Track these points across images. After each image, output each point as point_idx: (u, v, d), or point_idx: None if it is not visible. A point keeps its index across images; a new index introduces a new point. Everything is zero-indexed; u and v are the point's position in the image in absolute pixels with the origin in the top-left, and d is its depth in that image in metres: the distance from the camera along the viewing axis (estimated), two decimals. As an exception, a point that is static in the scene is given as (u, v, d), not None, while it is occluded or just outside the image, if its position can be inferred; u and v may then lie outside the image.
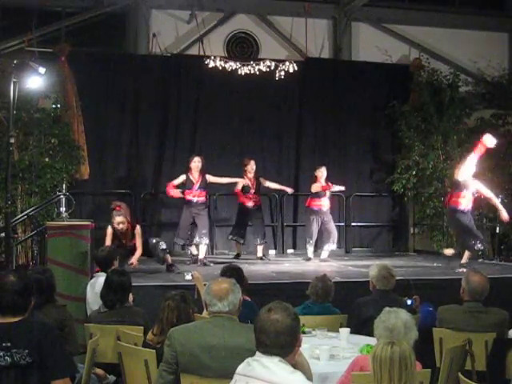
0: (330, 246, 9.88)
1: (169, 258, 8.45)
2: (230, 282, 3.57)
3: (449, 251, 8.93)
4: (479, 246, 8.47)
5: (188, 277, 7.34)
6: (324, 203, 9.81)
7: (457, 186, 8.54)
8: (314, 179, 9.89)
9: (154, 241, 8.39)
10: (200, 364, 3.31)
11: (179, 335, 3.40)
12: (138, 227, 8.12)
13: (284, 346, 2.68)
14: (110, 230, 7.93)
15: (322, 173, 9.85)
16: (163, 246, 8.34)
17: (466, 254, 8.56)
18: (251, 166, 9.82)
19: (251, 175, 9.85)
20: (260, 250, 10.03)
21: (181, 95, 11.27)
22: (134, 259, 7.95)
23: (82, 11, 11.42)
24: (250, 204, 9.84)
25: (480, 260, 9.70)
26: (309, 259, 9.92)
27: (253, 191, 9.83)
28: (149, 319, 4.70)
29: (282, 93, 11.64)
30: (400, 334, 3.22)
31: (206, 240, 9.20)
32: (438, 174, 11.28)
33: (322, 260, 9.84)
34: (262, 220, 10.13)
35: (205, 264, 9.02)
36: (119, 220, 7.88)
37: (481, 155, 8.49)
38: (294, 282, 7.27)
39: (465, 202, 8.44)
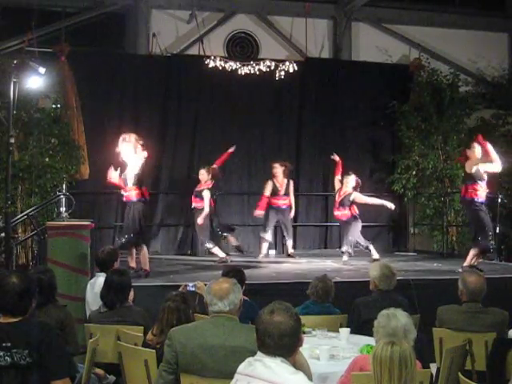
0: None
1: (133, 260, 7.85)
2: (231, 281, 3.55)
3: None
4: (489, 245, 8.23)
5: (190, 288, 7.26)
6: None
7: (470, 178, 8.35)
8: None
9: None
10: (200, 364, 3.31)
11: (179, 335, 3.40)
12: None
13: (287, 347, 2.69)
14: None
15: (347, 182, 9.56)
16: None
17: (471, 254, 8.36)
18: (275, 170, 9.86)
19: (280, 178, 9.84)
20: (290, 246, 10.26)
21: (181, 95, 11.27)
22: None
23: (82, 11, 11.44)
24: (281, 203, 9.88)
25: (480, 260, 9.63)
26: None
27: (281, 193, 9.87)
28: (149, 319, 4.70)
29: (282, 93, 11.64)
30: (400, 338, 3.22)
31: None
32: (438, 173, 11.29)
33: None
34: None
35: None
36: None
37: (483, 145, 8.36)
38: (294, 282, 7.25)
39: (482, 194, 8.31)
